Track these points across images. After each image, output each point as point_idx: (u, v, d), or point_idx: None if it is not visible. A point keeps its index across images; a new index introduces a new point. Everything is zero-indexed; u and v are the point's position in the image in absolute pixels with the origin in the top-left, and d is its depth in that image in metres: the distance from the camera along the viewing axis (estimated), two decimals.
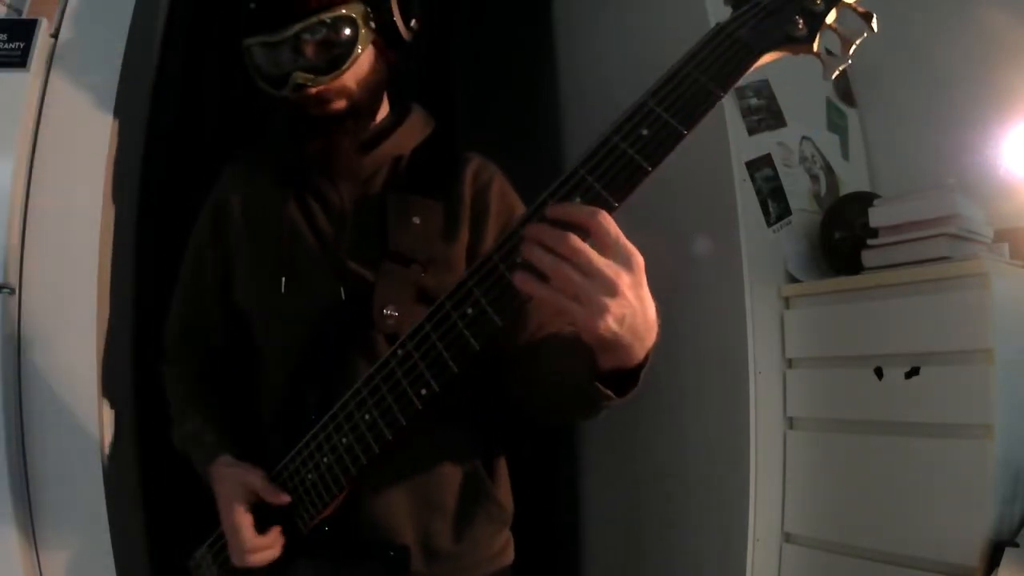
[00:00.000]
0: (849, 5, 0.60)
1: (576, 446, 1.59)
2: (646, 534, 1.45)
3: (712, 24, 0.62)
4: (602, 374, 0.65)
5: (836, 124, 1.57)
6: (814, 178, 1.48)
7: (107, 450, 1.09)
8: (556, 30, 1.68)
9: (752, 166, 1.34)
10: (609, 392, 0.66)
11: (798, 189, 1.43)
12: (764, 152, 1.37)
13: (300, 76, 0.79)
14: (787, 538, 1.27)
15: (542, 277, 0.58)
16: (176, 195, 1.30)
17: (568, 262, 0.56)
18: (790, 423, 1.30)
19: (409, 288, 0.82)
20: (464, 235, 0.87)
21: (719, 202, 1.31)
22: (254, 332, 0.91)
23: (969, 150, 1.41)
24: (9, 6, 1.12)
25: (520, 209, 0.92)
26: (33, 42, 1.09)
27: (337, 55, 0.81)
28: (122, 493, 1.14)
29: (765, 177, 1.36)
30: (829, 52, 0.63)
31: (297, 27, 0.79)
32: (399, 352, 0.69)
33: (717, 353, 1.30)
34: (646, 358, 0.64)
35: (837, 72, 0.62)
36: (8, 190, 1.05)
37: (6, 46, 1.08)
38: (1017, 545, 1.01)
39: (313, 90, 0.81)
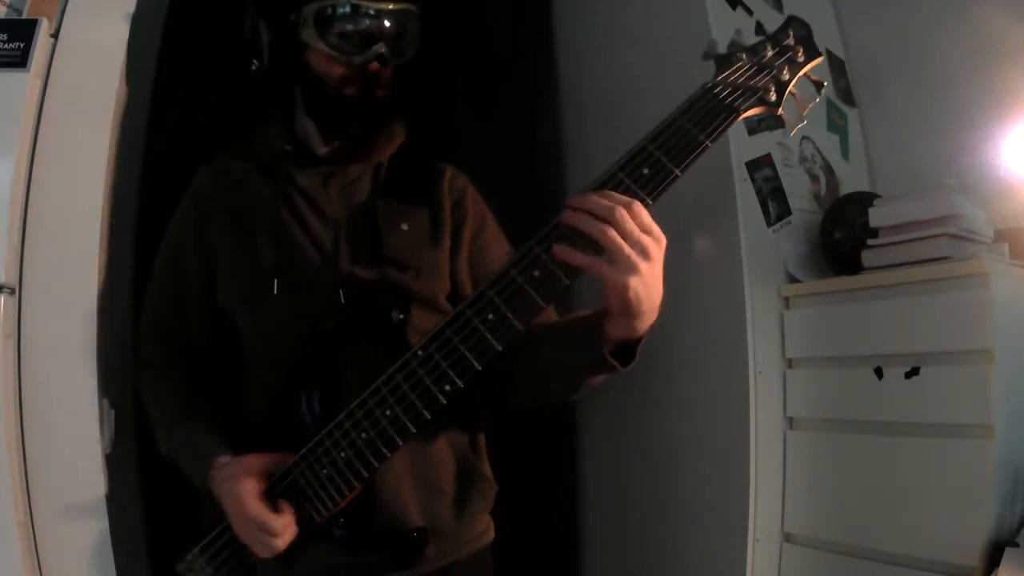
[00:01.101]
0: (806, 75, 0.74)
1: (575, 445, 1.59)
2: (646, 534, 1.45)
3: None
4: (609, 346, 0.72)
5: (836, 124, 1.57)
6: (814, 178, 1.48)
7: (107, 450, 1.09)
8: (556, 35, 1.68)
9: (752, 166, 1.34)
10: (614, 362, 0.73)
11: (798, 189, 1.43)
12: (764, 152, 1.37)
13: (383, 47, 0.85)
14: (787, 538, 1.27)
15: (581, 246, 0.65)
16: (177, 195, 1.30)
17: (610, 225, 0.64)
18: (790, 423, 1.30)
19: (408, 292, 0.85)
20: (447, 241, 0.92)
21: (719, 202, 1.31)
22: (242, 332, 0.90)
23: (969, 150, 1.41)
24: (9, 6, 1.12)
25: (489, 216, 1.00)
26: (33, 42, 1.09)
27: (407, 43, 0.89)
28: (122, 493, 1.14)
29: (765, 177, 1.36)
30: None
31: (393, 6, 0.86)
32: (420, 353, 0.72)
33: (717, 353, 1.30)
34: (643, 335, 0.72)
35: (796, 130, 0.79)
36: (8, 190, 1.05)
37: (6, 46, 1.08)
38: (1017, 545, 1.01)
39: (376, 68, 0.86)
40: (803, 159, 1.47)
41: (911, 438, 1.13)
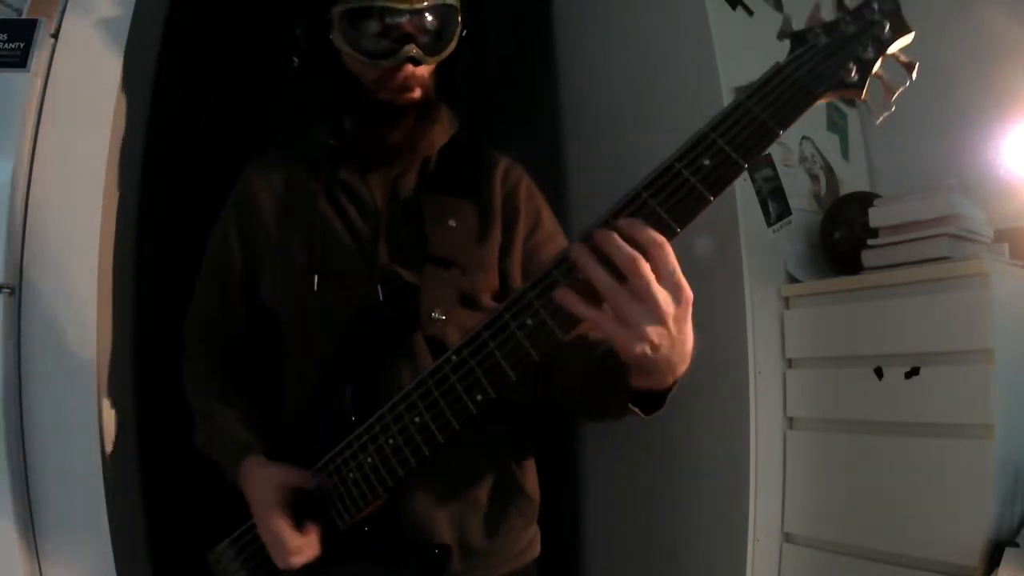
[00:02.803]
0: (894, 56, 0.64)
1: (576, 446, 1.59)
2: (646, 534, 1.45)
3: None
4: (632, 389, 0.67)
5: (836, 124, 1.57)
6: (814, 178, 1.48)
7: (107, 450, 1.09)
8: (556, 36, 1.69)
9: (752, 166, 1.34)
10: (636, 410, 0.68)
11: (798, 189, 1.43)
12: (764, 152, 1.37)
13: (413, 49, 0.80)
14: (787, 538, 1.27)
15: (589, 295, 0.59)
16: (177, 194, 1.31)
17: (625, 283, 0.57)
18: (790, 423, 1.30)
19: (452, 291, 0.82)
20: (496, 236, 0.88)
21: (719, 202, 1.30)
22: (283, 329, 0.90)
23: (969, 150, 1.41)
24: (9, 6, 1.12)
25: (546, 211, 0.94)
26: (33, 42, 1.09)
27: (442, 41, 0.84)
28: (122, 493, 1.14)
29: (765, 177, 1.36)
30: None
31: (426, 3, 0.81)
32: (453, 358, 0.69)
33: (717, 353, 1.30)
34: (674, 383, 0.67)
35: (882, 119, 0.65)
36: (8, 190, 1.05)
37: (6, 46, 1.08)
38: (1017, 545, 1.01)
39: (410, 70, 0.82)
40: (803, 159, 1.47)
41: (911, 438, 1.13)
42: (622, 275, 0.58)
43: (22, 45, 1.08)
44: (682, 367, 0.64)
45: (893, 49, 0.63)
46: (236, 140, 1.34)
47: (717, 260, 1.31)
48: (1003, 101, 1.39)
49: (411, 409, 0.71)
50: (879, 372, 1.17)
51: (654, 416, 0.70)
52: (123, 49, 1.15)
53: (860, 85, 0.62)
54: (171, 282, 1.28)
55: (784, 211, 1.38)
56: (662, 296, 0.58)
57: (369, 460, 0.74)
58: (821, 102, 0.63)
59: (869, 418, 1.20)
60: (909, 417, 1.14)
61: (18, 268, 1.05)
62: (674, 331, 0.59)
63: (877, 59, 0.62)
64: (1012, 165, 1.38)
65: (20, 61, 1.08)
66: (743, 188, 1.31)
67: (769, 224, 1.35)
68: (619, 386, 0.68)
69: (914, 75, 0.64)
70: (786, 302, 1.33)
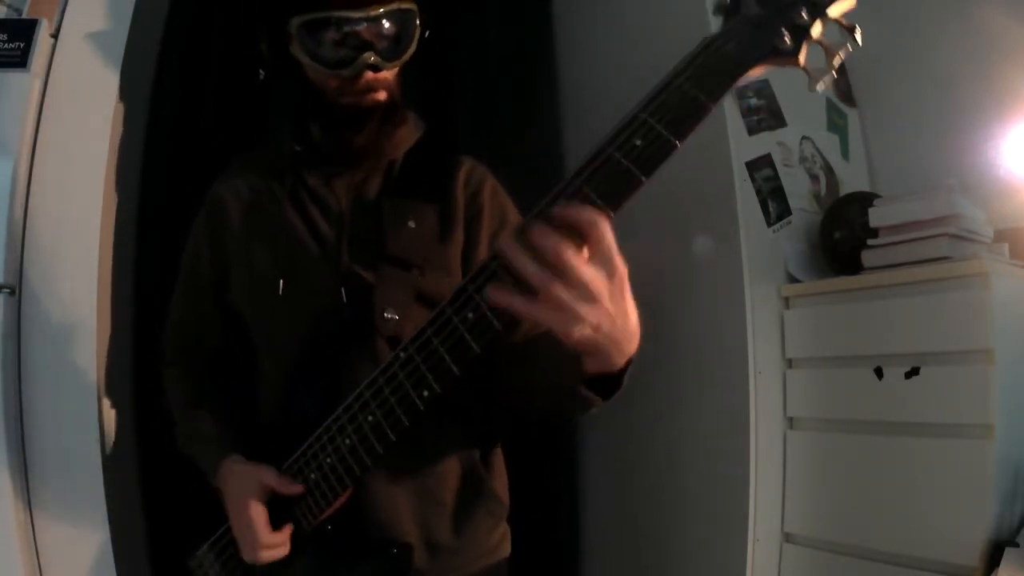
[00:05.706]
0: (833, 19, 0.61)
1: (576, 446, 1.59)
2: (646, 534, 1.45)
3: (712, 27, 0.62)
4: (588, 376, 0.67)
5: (836, 124, 1.58)
6: (814, 178, 1.48)
7: (107, 450, 1.09)
8: (556, 35, 1.69)
9: (752, 166, 1.34)
10: (591, 395, 0.68)
11: (798, 189, 1.43)
12: (764, 152, 1.37)
13: (371, 57, 0.81)
14: (787, 538, 1.27)
15: (521, 287, 0.58)
16: (176, 194, 1.31)
17: (553, 272, 0.57)
18: (790, 423, 1.30)
19: (408, 291, 0.83)
20: (459, 237, 0.89)
21: (719, 202, 1.31)
22: (252, 333, 0.91)
23: (969, 150, 1.41)
24: (9, 6, 1.12)
25: (511, 211, 0.94)
26: (33, 42, 1.09)
27: (401, 45, 0.84)
28: (122, 493, 1.14)
29: (765, 177, 1.36)
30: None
31: (382, 9, 0.81)
32: (401, 355, 0.69)
33: (717, 353, 1.30)
34: (628, 363, 0.66)
35: (821, 85, 0.64)
36: (8, 190, 1.05)
37: (6, 46, 1.08)
38: (1017, 545, 1.01)
39: (372, 75, 0.83)
40: (803, 159, 1.47)
41: (911, 438, 1.13)
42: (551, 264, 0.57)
43: (22, 45, 1.09)
44: (630, 345, 0.63)
45: (832, 13, 0.61)
46: (236, 141, 1.34)
47: (717, 260, 1.31)
48: (1003, 101, 1.39)
49: (364, 408, 0.72)
50: (879, 372, 1.17)
51: (614, 399, 0.69)
52: (123, 49, 1.16)
53: (795, 52, 0.60)
54: (171, 282, 1.29)
55: (784, 211, 1.38)
56: (591, 276, 0.56)
57: (328, 461, 0.75)
58: (756, 72, 0.61)
59: (869, 418, 1.20)
60: (909, 417, 1.14)
61: (18, 268, 1.06)
62: (611, 308, 0.58)
63: (813, 23, 0.60)
64: (1012, 165, 1.38)
65: (20, 61, 1.08)
66: (743, 188, 1.31)
67: (769, 224, 1.35)
68: (573, 374, 0.67)
69: (857, 37, 0.62)
70: (786, 302, 1.33)
